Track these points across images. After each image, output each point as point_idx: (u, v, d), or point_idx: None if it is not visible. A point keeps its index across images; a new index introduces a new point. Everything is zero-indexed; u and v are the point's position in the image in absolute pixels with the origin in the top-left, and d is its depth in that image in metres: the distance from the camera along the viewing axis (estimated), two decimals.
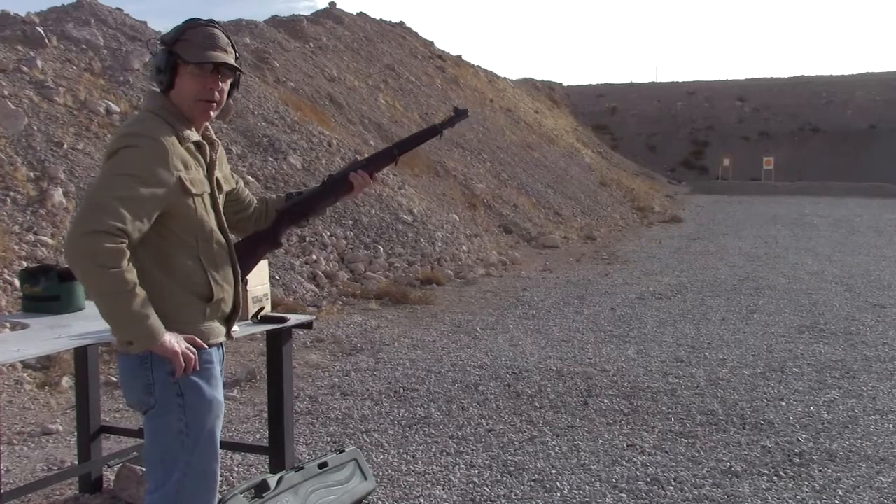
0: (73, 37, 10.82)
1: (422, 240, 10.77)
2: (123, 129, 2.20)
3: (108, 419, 4.53)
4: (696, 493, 3.71)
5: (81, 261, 2.00)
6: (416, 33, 24.47)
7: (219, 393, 2.27)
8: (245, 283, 3.23)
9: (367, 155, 2.85)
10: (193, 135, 2.24)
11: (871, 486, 3.80)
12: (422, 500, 3.64)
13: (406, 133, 15.95)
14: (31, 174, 7.73)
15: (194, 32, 2.21)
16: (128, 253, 2.03)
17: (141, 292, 2.05)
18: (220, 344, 2.32)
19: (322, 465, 3.41)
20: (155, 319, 2.07)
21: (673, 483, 3.82)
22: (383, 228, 10.54)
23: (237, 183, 2.52)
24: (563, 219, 16.64)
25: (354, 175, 2.58)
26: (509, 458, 4.15)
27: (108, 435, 4.05)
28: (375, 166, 2.65)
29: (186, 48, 2.19)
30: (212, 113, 2.26)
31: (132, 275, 2.04)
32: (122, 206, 2.02)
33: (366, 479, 3.58)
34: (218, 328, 2.29)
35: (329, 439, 4.45)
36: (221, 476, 3.87)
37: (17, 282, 5.78)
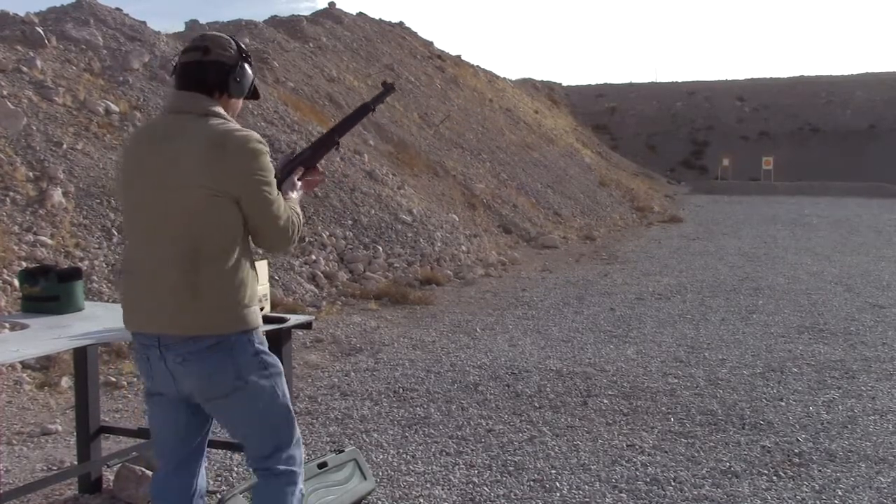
0: (73, 37, 10.82)
1: (421, 240, 10.77)
2: (242, 133, 2.30)
3: (107, 419, 4.53)
4: (695, 493, 3.71)
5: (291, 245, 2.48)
6: (416, 33, 24.42)
7: None
8: None
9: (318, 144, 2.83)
10: None
11: (870, 486, 3.80)
12: (421, 500, 3.64)
13: (405, 133, 15.95)
14: (31, 174, 7.73)
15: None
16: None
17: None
18: None
19: (321, 465, 3.42)
20: (292, 202, 2.51)
21: (672, 483, 3.82)
22: (382, 228, 10.54)
23: None
24: (563, 219, 16.64)
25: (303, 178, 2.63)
26: (509, 458, 4.15)
27: (107, 435, 4.05)
28: (318, 157, 2.67)
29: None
30: None
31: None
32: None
33: (365, 478, 3.58)
34: None
35: (328, 439, 4.45)
36: (221, 476, 3.87)
37: (16, 282, 5.78)
